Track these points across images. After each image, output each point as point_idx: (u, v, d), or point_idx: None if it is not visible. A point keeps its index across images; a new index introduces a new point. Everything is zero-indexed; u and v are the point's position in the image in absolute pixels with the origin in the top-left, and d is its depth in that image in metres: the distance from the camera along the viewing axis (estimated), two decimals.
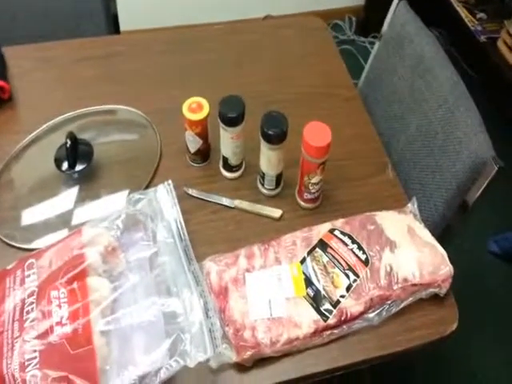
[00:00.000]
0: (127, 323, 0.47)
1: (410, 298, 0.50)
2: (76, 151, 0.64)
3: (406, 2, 0.82)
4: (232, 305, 0.49)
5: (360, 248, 0.51)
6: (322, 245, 0.52)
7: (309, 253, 0.52)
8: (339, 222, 0.54)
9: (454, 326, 0.53)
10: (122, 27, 1.13)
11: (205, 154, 0.67)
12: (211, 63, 0.80)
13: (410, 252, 0.50)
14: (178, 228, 0.56)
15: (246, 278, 0.51)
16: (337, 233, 0.53)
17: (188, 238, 0.56)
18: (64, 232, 0.61)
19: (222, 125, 0.59)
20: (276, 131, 0.56)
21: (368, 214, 0.55)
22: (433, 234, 0.54)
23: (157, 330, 0.46)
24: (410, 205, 0.56)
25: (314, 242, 0.53)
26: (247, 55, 0.81)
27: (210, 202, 0.63)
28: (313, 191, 0.58)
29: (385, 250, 0.50)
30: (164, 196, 0.59)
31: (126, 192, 0.64)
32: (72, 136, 0.65)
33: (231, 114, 0.58)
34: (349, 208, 0.59)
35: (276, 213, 0.60)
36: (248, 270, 0.52)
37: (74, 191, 0.65)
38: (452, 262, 0.52)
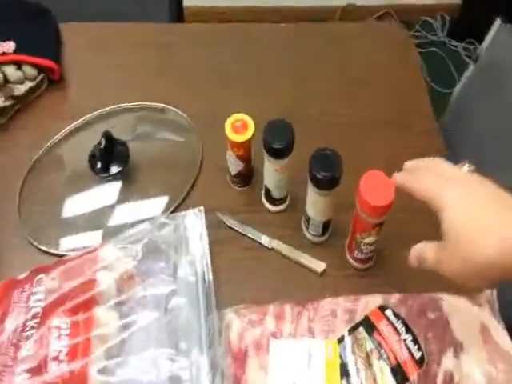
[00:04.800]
0: (132, 376, 0.40)
1: None
2: (111, 153, 0.59)
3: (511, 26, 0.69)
4: (248, 377, 0.41)
5: (415, 341, 0.41)
6: (368, 325, 0.43)
7: (350, 331, 0.43)
8: (393, 298, 0.44)
9: None
10: (186, 2, 1.10)
11: (246, 177, 0.59)
12: (270, 69, 0.71)
13: (480, 362, 0.39)
14: (203, 266, 0.49)
15: (271, 345, 0.43)
16: (388, 313, 0.43)
17: (212, 280, 0.48)
18: (91, 235, 0.57)
19: (265, 153, 0.51)
20: (327, 176, 0.46)
21: (432, 295, 0.45)
22: None
23: None
24: (487, 291, 0.44)
25: (359, 317, 0.43)
26: (310, 63, 0.71)
27: (245, 235, 0.55)
28: (365, 251, 0.49)
29: (447, 352, 0.40)
30: (193, 224, 0.52)
31: (161, 202, 0.58)
32: (108, 136, 0.59)
33: (277, 144, 0.49)
34: (408, 279, 0.48)
35: (318, 266, 0.51)
36: (274, 335, 0.44)
37: (106, 192, 0.60)
38: None
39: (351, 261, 0.51)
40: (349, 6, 1.60)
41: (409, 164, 0.40)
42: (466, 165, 0.38)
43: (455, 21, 1.52)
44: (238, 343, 0.43)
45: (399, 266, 0.49)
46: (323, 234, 0.53)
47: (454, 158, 0.60)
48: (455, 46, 1.49)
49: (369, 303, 0.44)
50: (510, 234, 0.31)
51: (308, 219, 0.52)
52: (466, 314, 0.42)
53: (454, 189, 0.34)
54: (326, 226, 0.52)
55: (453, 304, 0.43)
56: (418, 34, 1.57)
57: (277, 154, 0.50)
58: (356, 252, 0.49)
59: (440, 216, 0.34)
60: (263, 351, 0.42)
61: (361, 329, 0.43)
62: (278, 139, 0.49)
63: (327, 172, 0.46)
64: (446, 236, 0.33)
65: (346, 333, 0.43)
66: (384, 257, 0.52)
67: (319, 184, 0.47)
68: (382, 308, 0.44)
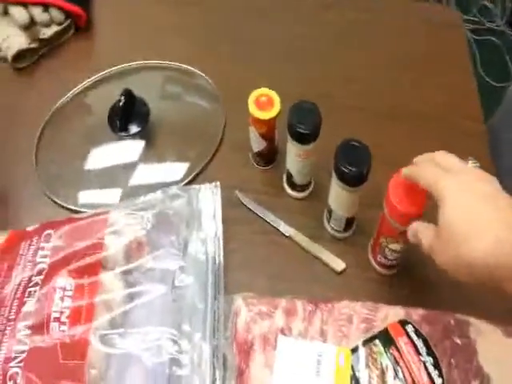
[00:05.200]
0: (132, 350, 0.38)
1: None
2: (130, 112, 0.56)
3: None
4: (253, 373, 0.38)
5: (436, 366, 0.37)
6: (386, 338, 0.40)
7: (366, 342, 0.40)
8: (416, 314, 0.41)
9: None
10: None
11: (269, 156, 0.55)
12: (304, 43, 0.65)
13: None
14: (214, 246, 0.46)
15: (279, 342, 0.40)
16: (409, 329, 0.40)
17: (223, 262, 0.45)
18: (105, 193, 0.55)
19: (289, 137, 0.47)
20: (353, 171, 0.41)
21: (459, 316, 0.41)
22: None
23: (157, 377, 0.37)
24: None
25: (377, 328, 0.40)
26: (350, 41, 0.65)
27: (263, 218, 0.52)
28: (389, 257, 0.45)
29: (471, 383, 0.37)
30: (208, 200, 0.49)
31: (178, 169, 0.55)
32: (128, 94, 0.56)
33: (302, 128, 0.45)
34: (435, 294, 0.45)
35: (338, 264, 0.47)
36: (283, 331, 0.41)
37: (123, 150, 0.57)
38: None
39: (374, 264, 0.48)
40: None
41: (418, 158, 0.40)
42: (470, 161, 0.37)
43: None
44: (245, 334, 0.40)
45: (426, 278, 0.47)
46: (346, 230, 0.49)
47: (499, 169, 0.56)
48: None
49: (389, 314, 0.41)
50: (504, 236, 0.31)
51: (330, 212, 0.48)
52: (496, 345, 0.39)
53: (454, 180, 0.34)
54: (349, 222, 0.48)
55: (483, 331, 0.40)
56: (475, 19, 1.44)
57: (301, 139, 0.46)
58: (379, 256, 0.46)
59: (438, 205, 0.34)
60: (270, 347, 0.40)
61: (377, 341, 0.39)
62: (303, 123, 0.45)
63: (354, 167, 0.41)
64: (441, 228, 0.33)
65: (360, 342, 0.40)
66: (410, 266, 0.48)
67: (345, 179, 0.43)
68: (403, 322, 0.40)
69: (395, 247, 0.44)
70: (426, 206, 0.39)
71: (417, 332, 0.40)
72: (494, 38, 1.34)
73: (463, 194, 0.33)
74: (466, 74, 0.63)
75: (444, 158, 0.37)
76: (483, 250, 0.31)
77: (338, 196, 0.46)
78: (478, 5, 1.42)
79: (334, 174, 0.44)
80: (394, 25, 0.67)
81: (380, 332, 0.40)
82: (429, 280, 0.46)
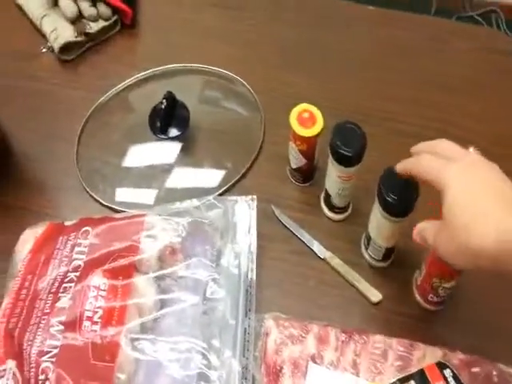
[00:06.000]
0: (161, 358, 0.37)
1: None
2: (171, 115, 0.56)
3: None
4: None
5: None
6: (423, 380, 0.37)
7: (401, 381, 0.38)
8: (456, 358, 0.39)
9: None
10: None
11: (307, 174, 0.54)
12: (351, 57, 0.64)
13: None
14: (248, 261, 0.44)
15: (309, 370, 0.39)
16: (448, 374, 0.38)
17: (255, 279, 0.44)
18: (141, 193, 0.55)
19: (330, 156, 0.46)
20: (397, 202, 0.40)
21: (503, 367, 0.39)
22: None
23: None
24: None
25: (413, 369, 0.38)
26: (397, 59, 0.63)
27: (297, 237, 0.50)
28: (442, 295, 0.43)
29: None
30: (243, 213, 0.48)
31: (214, 177, 0.55)
32: (170, 97, 0.56)
33: (345, 151, 0.43)
34: (477, 338, 0.42)
35: (374, 295, 0.46)
36: (314, 359, 0.39)
37: (162, 152, 0.57)
38: None
39: (420, 301, 0.45)
40: None
41: (414, 148, 0.38)
42: (471, 149, 0.36)
43: None
44: (274, 356, 0.39)
45: (469, 319, 0.44)
46: (384, 259, 0.48)
47: None
48: None
49: (426, 354, 0.39)
50: (506, 226, 0.30)
51: (369, 240, 0.47)
52: None
53: (456, 168, 0.34)
54: (389, 252, 0.47)
55: None
56: None
57: (343, 161, 0.45)
58: (431, 296, 0.44)
59: (442, 197, 0.33)
60: (300, 373, 0.38)
61: (413, 382, 0.38)
62: (347, 144, 0.43)
63: (399, 197, 0.40)
64: (445, 217, 0.33)
65: (395, 381, 0.38)
66: (453, 304, 0.45)
67: (388, 209, 0.41)
68: (442, 366, 0.38)
69: (450, 285, 0.42)
70: None
71: (455, 378, 0.37)
72: None
73: (466, 181, 0.33)
74: None
75: (445, 145, 0.36)
76: (487, 237, 0.30)
77: (379, 226, 0.44)
78: None
79: (376, 202, 0.43)
80: (445, 46, 0.65)
81: (416, 373, 0.38)
82: (471, 321, 0.44)
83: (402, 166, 0.38)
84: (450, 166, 0.34)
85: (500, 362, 0.39)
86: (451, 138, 0.61)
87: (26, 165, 0.57)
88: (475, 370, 0.38)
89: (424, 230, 0.36)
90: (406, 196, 0.40)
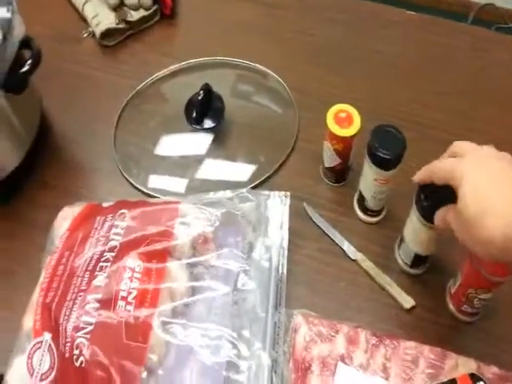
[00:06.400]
0: (192, 343, 0.37)
1: None
2: (207, 107, 0.56)
3: None
4: None
5: None
6: None
7: None
8: (490, 372, 0.38)
9: None
10: None
11: (340, 174, 0.53)
12: (390, 61, 0.63)
13: None
14: (279, 256, 0.44)
15: (338, 369, 0.38)
16: None
17: (286, 274, 0.43)
18: (175, 181, 0.55)
19: (367, 159, 0.45)
20: (435, 206, 0.38)
21: None
22: None
23: (213, 376, 0.36)
24: None
25: (444, 378, 0.37)
26: (435, 67, 0.63)
27: (329, 236, 0.50)
28: (477, 306, 0.42)
29: None
30: (276, 208, 0.47)
31: (247, 170, 0.55)
32: (207, 89, 0.56)
33: (384, 154, 0.43)
34: None
35: (406, 301, 0.45)
36: (343, 359, 0.39)
37: (196, 143, 0.57)
38: None
39: (454, 311, 0.44)
40: (487, 6, 1.47)
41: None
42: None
43: None
44: (303, 353, 0.39)
45: (505, 333, 0.43)
46: (418, 266, 0.47)
47: None
48: None
49: (459, 364, 0.38)
50: None
51: (403, 245, 0.46)
52: None
53: (469, 161, 0.34)
54: (423, 258, 0.46)
55: None
56: None
57: (381, 164, 0.44)
58: (465, 306, 0.43)
59: (458, 191, 0.34)
60: (329, 372, 0.38)
61: None
62: (386, 148, 0.43)
63: (437, 202, 0.38)
64: (459, 206, 0.33)
65: None
66: (488, 317, 0.44)
67: (426, 214, 0.40)
68: (474, 377, 0.37)
69: (486, 296, 0.41)
70: None
71: None
72: None
73: (479, 171, 0.33)
74: None
75: (458, 145, 0.37)
76: (500, 226, 0.31)
77: (415, 230, 0.44)
78: None
79: (414, 207, 0.42)
80: (485, 55, 0.64)
81: (448, 382, 0.37)
82: (507, 336, 0.43)
83: (418, 177, 0.39)
84: (463, 161, 0.34)
85: None
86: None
87: (65, 145, 0.58)
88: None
89: (447, 216, 0.36)
90: (443, 202, 0.39)
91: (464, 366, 0.38)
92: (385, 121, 0.45)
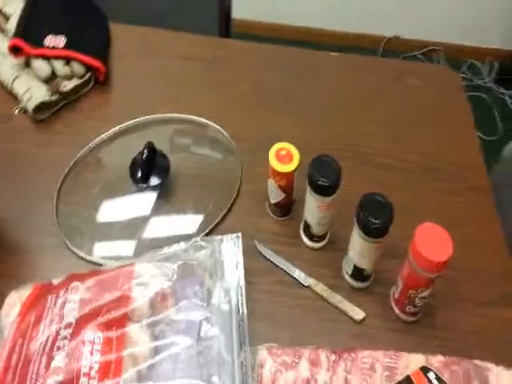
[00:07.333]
0: None
1: None
2: (152, 164, 0.59)
3: None
4: None
5: None
6: None
7: None
8: (436, 361, 0.42)
9: None
10: (235, 14, 1.09)
11: (286, 208, 0.58)
12: (319, 98, 0.70)
13: None
14: (237, 296, 0.47)
15: None
16: (431, 376, 0.41)
17: (246, 312, 0.46)
18: (124, 244, 0.56)
19: (309, 188, 0.50)
20: (376, 223, 0.44)
21: (478, 363, 0.43)
22: None
23: None
24: None
25: (399, 376, 0.42)
26: (361, 98, 0.71)
27: (281, 268, 0.53)
28: (419, 304, 0.47)
29: None
30: (230, 251, 0.51)
31: (196, 221, 0.57)
32: (150, 147, 0.59)
33: (323, 181, 0.48)
34: (453, 340, 0.47)
35: (357, 314, 0.49)
36: (308, 382, 0.42)
37: (143, 202, 0.59)
38: None
39: (399, 313, 0.49)
40: (395, 38, 1.60)
41: None
42: None
43: (504, 67, 1.49)
44: None
45: (446, 326, 0.48)
46: (365, 280, 0.52)
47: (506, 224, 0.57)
48: (502, 94, 1.45)
49: (410, 362, 0.43)
50: None
51: (349, 262, 0.51)
52: None
53: None
54: (368, 272, 0.51)
55: (501, 378, 0.41)
56: (464, 76, 1.55)
57: (322, 191, 0.49)
58: (408, 307, 0.48)
59: None
60: None
61: None
62: (324, 176, 0.48)
63: (377, 219, 0.44)
64: None
65: None
66: (429, 314, 0.50)
67: (367, 230, 0.46)
68: (425, 370, 0.42)
69: (426, 294, 0.46)
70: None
71: (438, 379, 0.41)
72: (482, 95, 1.45)
73: None
74: (470, 131, 0.67)
75: None
76: None
77: (358, 247, 0.48)
78: (466, 62, 1.55)
79: (356, 226, 0.47)
80: (403, 83, 0.72)
81: (403, 380, 0.42)
82: (449, 325, 0.48)
83: None
84: None
85: (475, 358, 0.43)
86: (405, 164, 0.66)
87: (3, 227, 0.56)
88: (454, 368, 0.42)
89: None
90: (383, 219, 0.44)
91: (415, 361, 0.43)
92: (321, 153, 0.50)
